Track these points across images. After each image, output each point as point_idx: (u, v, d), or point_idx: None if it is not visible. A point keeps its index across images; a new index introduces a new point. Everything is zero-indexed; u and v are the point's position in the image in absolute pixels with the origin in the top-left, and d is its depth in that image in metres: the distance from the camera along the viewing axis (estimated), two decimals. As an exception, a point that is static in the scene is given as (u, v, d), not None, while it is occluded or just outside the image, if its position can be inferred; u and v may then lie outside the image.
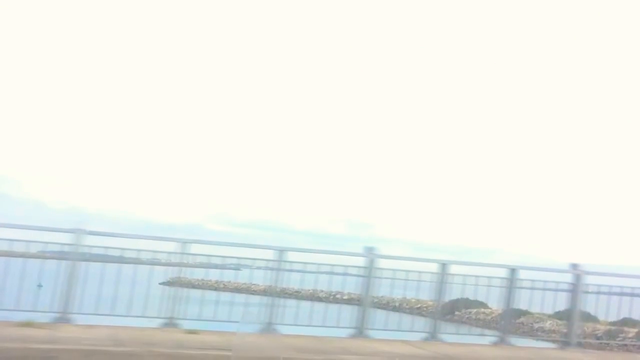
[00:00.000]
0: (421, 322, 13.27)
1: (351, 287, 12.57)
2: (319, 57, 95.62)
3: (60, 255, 10.82)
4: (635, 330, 23.51)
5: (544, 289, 13.09)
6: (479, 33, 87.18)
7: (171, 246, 11.15)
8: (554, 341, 14.69)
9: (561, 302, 13.31)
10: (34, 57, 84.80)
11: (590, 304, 13.36)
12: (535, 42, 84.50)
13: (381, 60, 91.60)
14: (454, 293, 13.00)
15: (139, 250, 11.44)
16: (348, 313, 12.19)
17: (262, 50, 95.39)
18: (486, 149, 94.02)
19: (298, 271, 11.89)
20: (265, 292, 11.84)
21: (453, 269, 12.42)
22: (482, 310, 25.46)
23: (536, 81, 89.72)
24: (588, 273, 12.91)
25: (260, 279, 12.26)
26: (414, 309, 18.02)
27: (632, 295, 13.37)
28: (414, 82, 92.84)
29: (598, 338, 19.04)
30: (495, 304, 14.52)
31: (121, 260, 11.43)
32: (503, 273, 12.68)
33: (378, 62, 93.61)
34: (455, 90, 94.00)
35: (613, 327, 21.73)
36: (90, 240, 10.68)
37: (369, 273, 11.84)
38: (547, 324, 24.17)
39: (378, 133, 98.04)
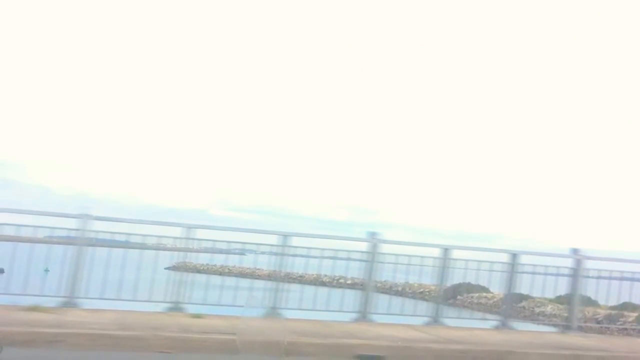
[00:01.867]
0: (424, 307, 13.31)
1: (354, 271, 12.61)
2: (323, 45, 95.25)
3: (66, 240, 10.88)
4: (635, 314, 23.60)
5: (545, 274, 13.16)
6: (479, 26, 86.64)
7: (176, 231, 11.21)
8: (554, 325, 14.73)
9: (562, 287, 13.38)
10: (40, 45, 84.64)
11: (590, 289, 13.44)
12: (535, 37, 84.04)
13: (384, 49, 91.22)
14: (456, 277, 13.03)
15: (144, 236, 11.48)
16: (351, 297, 12.24)
17: (265, 37, 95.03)
18: (488, 135, 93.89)
19: (302, 256, 11.97)
20: (269, 276, 11.90)
21: (455, 253, 12.48)
22: (484, 294, 25.50)
23: (537, 69, 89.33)
24: (589, 258, 12.97)
25: (265, 263, 12.35)
26: (417, 294, 18.05)
27: (632, 279, 13.43)
28: (416, 70, 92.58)
29: (598, 322, 19.14)
30: (497, 289, 14.58)
31: (127, 245, 11.48)
32: (505, 258, 12.73)
33: (381, 51, 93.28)
34: (456, 78, 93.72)
35: (613, 312, 21.83)
36: (97, 226, 10.75)
37: (372, 258, 11.91)
38: (548, 309, 24.22)
39: (381, 120, 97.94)
